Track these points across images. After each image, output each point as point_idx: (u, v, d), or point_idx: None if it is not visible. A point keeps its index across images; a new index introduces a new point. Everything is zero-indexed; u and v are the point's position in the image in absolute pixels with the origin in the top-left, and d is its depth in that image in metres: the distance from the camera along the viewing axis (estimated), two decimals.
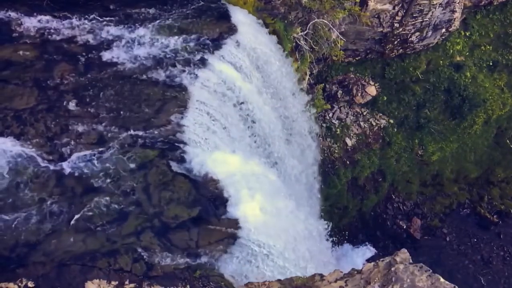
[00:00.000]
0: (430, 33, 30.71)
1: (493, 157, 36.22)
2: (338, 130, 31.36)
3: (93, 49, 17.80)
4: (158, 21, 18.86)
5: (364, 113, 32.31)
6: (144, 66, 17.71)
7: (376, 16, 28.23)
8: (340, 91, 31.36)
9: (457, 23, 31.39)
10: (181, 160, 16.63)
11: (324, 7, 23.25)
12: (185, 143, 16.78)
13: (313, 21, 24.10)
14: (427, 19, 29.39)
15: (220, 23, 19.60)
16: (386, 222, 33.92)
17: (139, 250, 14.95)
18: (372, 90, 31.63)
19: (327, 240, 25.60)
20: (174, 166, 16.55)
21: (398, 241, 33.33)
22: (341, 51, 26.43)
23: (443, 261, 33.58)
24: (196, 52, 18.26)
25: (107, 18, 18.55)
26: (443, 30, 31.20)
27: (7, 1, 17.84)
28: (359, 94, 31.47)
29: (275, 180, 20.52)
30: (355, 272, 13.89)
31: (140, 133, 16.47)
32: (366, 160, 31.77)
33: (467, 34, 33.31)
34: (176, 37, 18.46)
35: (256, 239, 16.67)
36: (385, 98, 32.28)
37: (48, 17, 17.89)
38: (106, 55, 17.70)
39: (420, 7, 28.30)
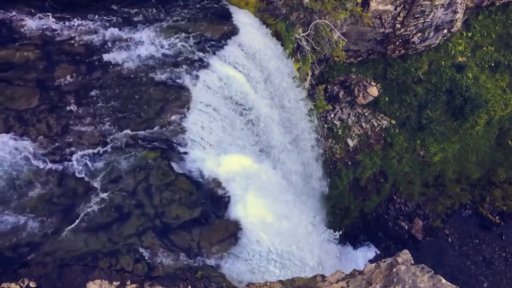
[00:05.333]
0: (432, 33, 30.69)
1: (495, 158, 36.19)
2: (340, 130, 31.36)
3: (95, 50, 17.82)
4: (160, 22, 18.88)
5: (366, 114, 32.31)
6: (146, 67, 17.72)
7: (378, 17, 28.22)
8: (341, 92, 31.36)
9: (459, 24, 31.36)
10: (183, 161, 16.64)
11: (326, 8, 23.24)
12: (186, 144, 16.79)
13: (315, 21, 24.10)
14: (429, 20, 29.38)
15: (222, 24, 19.60)
16: (388, 223, 33.90)
17: (141, 250, 14.96)
18: (373, 90, 31.62)
19: (329, 241, 25.58)
20: (176, 166, 16.57)
21: (400, 242, 33.32)
22: (342, 51, 26.43)
23: (445, 262, 33.56)
24: (198, 53, 18.26)
25: (109, 19, 18.56)
26: (445, 30, 31.18)
27: (9, 2, 17.87)
28: (361, 95, 31.47)
29: (277, 181, 20.52)
30: (357, 273, 13.89)
31: (142, 133, 16.49)
32: (367, 161, 31.76)
33: (469, 34, 33.29)
34: (178, 37, 18.46)
35: (258, 240, 16.66)
36: (387, 99, 32.28)
37: (50, 18, 17.92)
38: (108, 56, 17.71)
39: (422, 8, 28.29)
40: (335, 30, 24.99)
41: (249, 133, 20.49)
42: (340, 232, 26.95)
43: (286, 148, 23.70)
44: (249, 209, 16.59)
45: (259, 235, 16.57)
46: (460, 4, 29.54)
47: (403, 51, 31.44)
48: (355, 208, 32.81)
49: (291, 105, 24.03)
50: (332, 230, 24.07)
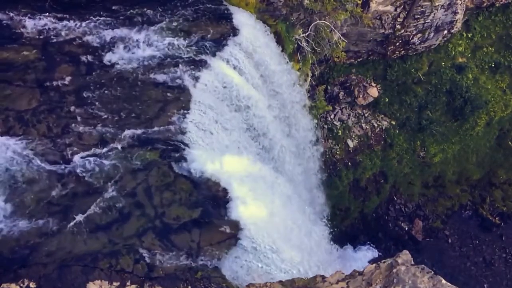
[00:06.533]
0: (432, 34, 30.70)
1: (495, 159, 36.19)
2: (340, 131, 31.35)
3: (95, 50, 17.82)
4: (160, 23, 18.87)
5: (366, 115, 32.30)
6: (146, 68, 17.72)
7: (378, 17, 28.23)
8: (342, 93, 31.37)
9: (459, 25, 31.37)
10: (183, 161, 16.63)
11: (326, 9, 23.24)
12: (186, 145, 16.80)
13: (315, 22, 24.12)
14: (429, 21, 29.39)
15: (222, 24, 19.61)
16: (388, 224, 33.89)
17: (141, 251, 14.96)
18: (374, 91, 31.63)
19: (329, 241, 25.61)
20: (176, 167, 16.56)
21: (400, 243, 33.29)
22: (343, 52, 26.44)
23: (445, 262, 33.54)
24: (198, 54, 18.26)
25: (109, 20, 18.57)
26: (445, 31, 31.19)
27: (9, 2, 17.88)
28: (361, 96, 31.47)
29: (277, 182, 20.53)
30: (357, 273, 13.89)
31: (142, 134, 16.49)
32: (367, 162, 31.75)
33: (469, 35, 33.29)
34: (178, 38, 18.47)
35: (258, 241, 16.66)
36: (387, 100, 32.27)
37: (50, 19, 17.92)
38: (108, 57, 17.72)
39: (422, 9, 28.30)
40: (335, 31, 24.99)
41: (251, 134, 20.51)
42: (347, 247, 27.02)
43: (297, 178, 23.84)
44: (249, 210, 16.58)
45: (260, 236, 16.56)
46: (460, 5, 29.55)
47: (403, 52, 31.44)
48: (355, 209, 32.79)
49: (299, 135, 24.24)
50: (333, 232, 24.18)
